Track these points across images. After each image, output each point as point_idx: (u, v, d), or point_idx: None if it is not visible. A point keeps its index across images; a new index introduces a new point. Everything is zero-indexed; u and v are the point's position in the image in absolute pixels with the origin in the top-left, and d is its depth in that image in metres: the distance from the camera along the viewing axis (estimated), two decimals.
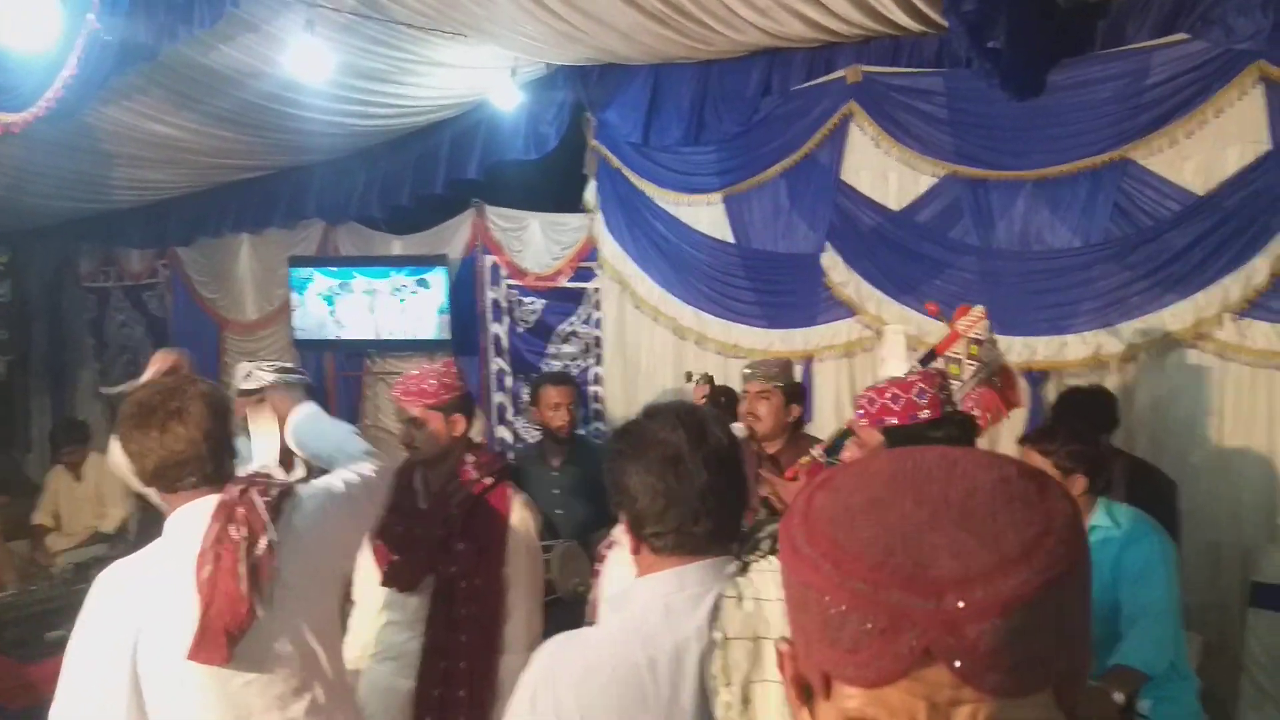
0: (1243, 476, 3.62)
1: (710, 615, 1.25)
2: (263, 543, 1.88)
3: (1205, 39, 3.49)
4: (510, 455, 5.51)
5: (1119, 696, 2.36)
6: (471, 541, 2.43)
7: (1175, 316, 3.69)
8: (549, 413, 3.97)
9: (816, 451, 2.84)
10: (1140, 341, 3.76)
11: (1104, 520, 2.69)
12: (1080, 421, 3.11)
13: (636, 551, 1.38)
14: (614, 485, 1.38)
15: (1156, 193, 3.70)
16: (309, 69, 4.04)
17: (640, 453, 1.34)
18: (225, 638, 1.84)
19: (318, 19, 3.82)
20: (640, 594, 1.34)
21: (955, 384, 2.87)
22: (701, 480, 1.30)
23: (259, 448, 2.95)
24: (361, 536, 2.16)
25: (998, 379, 2.67)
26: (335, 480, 2.13)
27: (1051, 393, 3.94)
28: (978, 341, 2.71)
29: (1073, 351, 3.88)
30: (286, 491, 2.05)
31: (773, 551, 1.26)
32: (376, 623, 2.62)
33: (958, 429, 1.90)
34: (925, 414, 1.80)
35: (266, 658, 1.91)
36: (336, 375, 6.83)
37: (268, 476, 2.17)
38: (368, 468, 2.17)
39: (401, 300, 6.09)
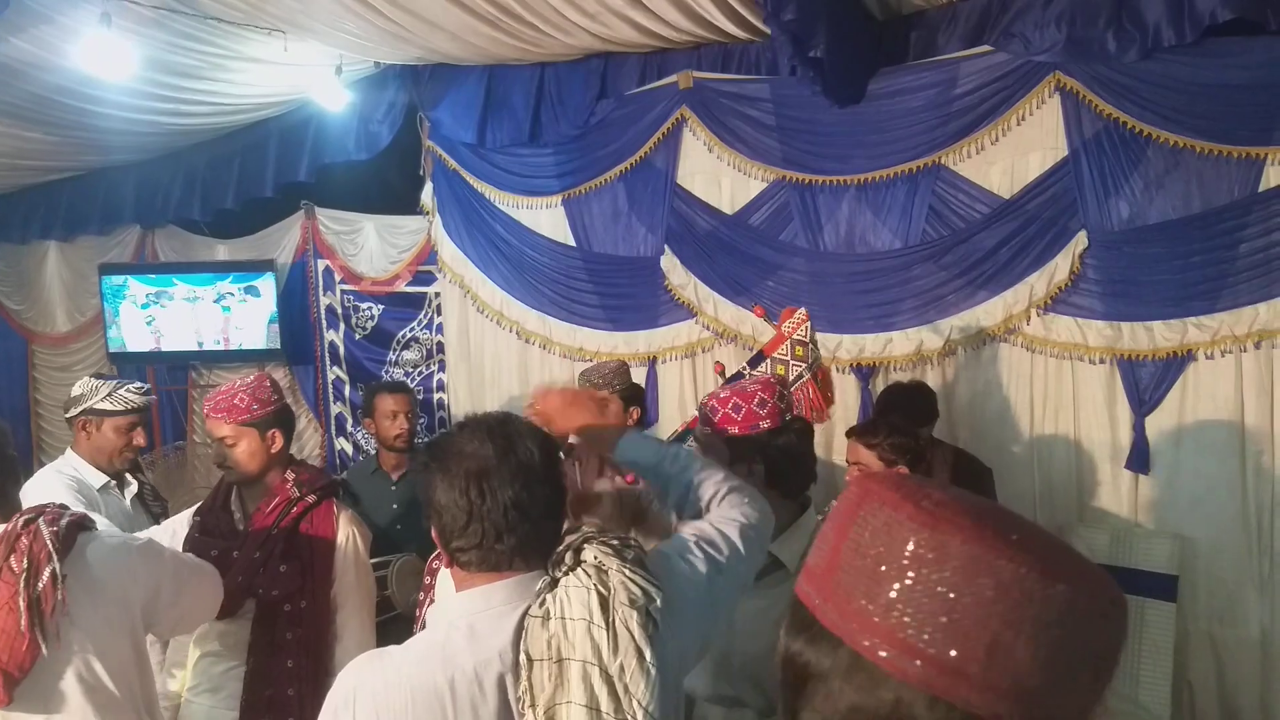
0: (1052, 461, 3.87)
1: (514, 635, 1.24)
2: (46, 575, 1.74)
3: (1007, 50, 3.71)
4: (344, 470, 5.32)
5: None
6: (294, 562, 2.31)
7: (988, 313, 3.90)
8: (385, 423, 3.85)
9: None
10: (958, 337, 3.95)
11: None
12: (901, 415, 3.26)
13: (449, 567, 1.35)
14: (423, 499, 1.35)
15: (967, 196, 3.89)
16: (106, 64, 3.75)
17: (445, 466, 1.31)
18: (2, 678, 1.69)
19: (117, 12, 3.56)
20: (448, 612, 1.31)
21: None
22: (507, 495, 1.27)
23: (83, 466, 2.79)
24: (174, 594, 2.00)
25: (819, 378, 2.75)
26: (141, 533, 2.02)
27: (880, 387, 4.10)
28: (802, 343, 2.78)
29: (898, 348, 4.05)
30: (80, 523, 1.90)
31: (576, 566, 1.24)
32: (194, 655, 2.47)
33: (797, 436, 1.91)
34: (765, 424, 1.80)
35: (53, 699, 1.77)
36: (159, 390, 6.42)
37: (63, 507, 2.01)
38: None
39: (226, 308, 5.78)
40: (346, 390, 5.76)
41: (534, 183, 4.86)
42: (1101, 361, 3.74)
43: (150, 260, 6.25)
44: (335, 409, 5.82)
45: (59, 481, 2.75)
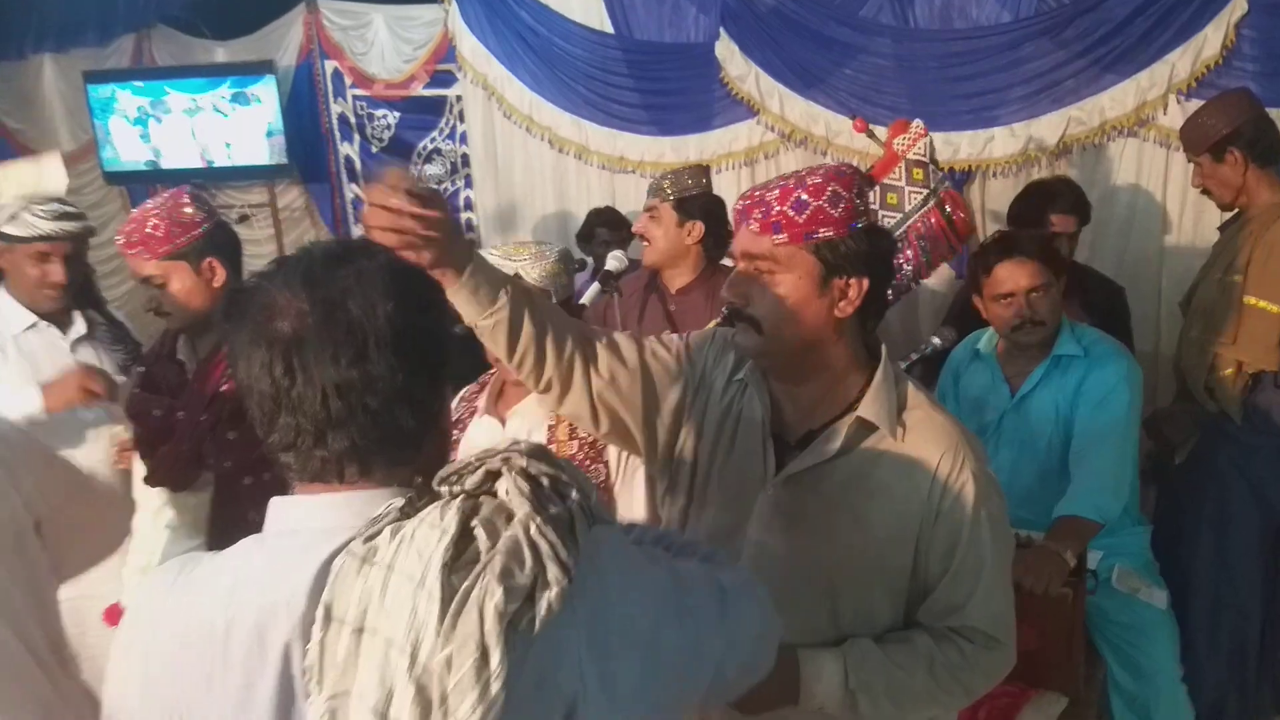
0: (1187, 277, 3.25)
1: (315, 578, 0.80)
2: None
3: None
4: None
5: (1070, 558, 1.95)
6: (248, 427, 1.84)
7: (1115, 101, 3.33)
8: None
9: None
10: (1076, 131, 3.37)
11: (1071, 347, 2.25)
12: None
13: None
14: (231, 369, 0.93)
15: None
16: None
17: (246, 327, 0.86)
18: None
19: None
20: (268, 524, 0.90)
21: (893, 216, 2.49)
22: (328, 375, 0.83)
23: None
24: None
25: (945, 204, 2.16)
26: None
27: (976, 195, 3.51)
28: (920, 163, 2.19)
29: (1000, 147, 3.48)
30: None
31: (479, 493, 0.77)
32: (153, 527, 2.08)
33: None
34: (828, 231, 1.31)
35: None
36: None
37: None
38: None
39: (227, 118, 5.21)
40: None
41: None
42: None
43: (147, 66, 5.65)
44: (356, 231, 5.35)
45: None
